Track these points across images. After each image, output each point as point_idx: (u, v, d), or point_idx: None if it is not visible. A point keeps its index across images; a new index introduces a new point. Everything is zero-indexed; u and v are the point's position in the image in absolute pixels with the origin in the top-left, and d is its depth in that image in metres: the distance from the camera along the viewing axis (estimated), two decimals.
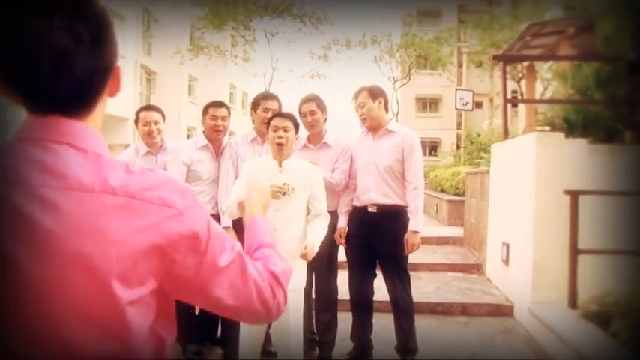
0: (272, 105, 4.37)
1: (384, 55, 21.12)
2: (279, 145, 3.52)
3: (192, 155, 4.47)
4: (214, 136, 4.50)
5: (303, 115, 4.37)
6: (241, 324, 3.54)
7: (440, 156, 28.74)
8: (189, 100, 31.88)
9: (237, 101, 35.99)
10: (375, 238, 4.22)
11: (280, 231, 3.51)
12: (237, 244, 1.15)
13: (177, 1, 21.56)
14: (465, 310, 5.71)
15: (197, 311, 4.60)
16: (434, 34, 21.61)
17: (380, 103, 4.29)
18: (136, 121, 4.61)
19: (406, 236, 4.11)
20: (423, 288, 6.28)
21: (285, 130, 3.53)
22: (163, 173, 1.06)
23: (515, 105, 14.43)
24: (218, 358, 4.53)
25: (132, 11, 22.74)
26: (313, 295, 4.48)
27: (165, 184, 1.01)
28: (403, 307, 4.23)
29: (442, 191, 12.94)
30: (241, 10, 19.85)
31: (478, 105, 23.98)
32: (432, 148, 33.13)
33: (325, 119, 4.46)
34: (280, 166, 3.58)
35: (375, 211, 4.21)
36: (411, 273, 6.76)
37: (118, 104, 19.47)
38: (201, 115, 4.61)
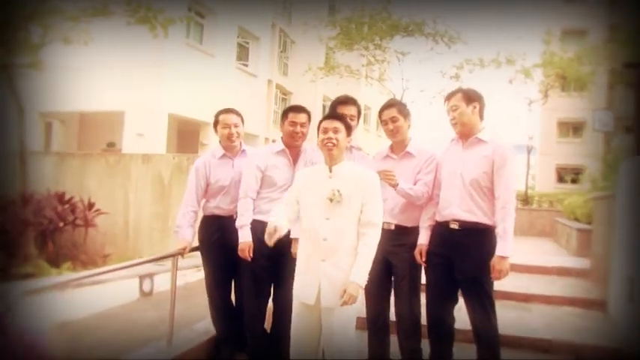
0: (349, 110, 4.08)
1: (519, 74, 20.07)
2: (329, 147, 3.29)
3: (268, 160, 4.26)
4: (292, 143, 4.27)
5: (384, 122, 4.06)
6: (293, 339, 3.40)
7: (580, 184, 26.77)
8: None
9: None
10: (456, 259, 3.74)
11: (330, 242, 3.24)
12: None
13: (314, 23, 21.78)
14: (577, 352, 4.95)
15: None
16: (576, 53, 20.22)
17: (474, 108, 3.82)
18: (215, 124, 4.51)
19: (492, 261, 3.58)
20: (530, 322, 5.59)
21: (335, 131, 3.30)
22: None
23: None
24: None
25: (267, 32, 23.37)
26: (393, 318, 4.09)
27: None
28: (485, 340, 3.71)
29: (575, 219, 11.85)
30: (371, 30, 19.77)
31: (628, 130, 22.07)
32: (574, 175, 30.99)
33: (409, 126, 4.07)
34: (331, 171, 3.32)
35: (456, 227, 3.74)
36: (521, 304, 6.26)
37: (253, 122, 19.97)
38: (280, 120, 4.41)
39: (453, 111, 3.84)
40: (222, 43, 19.06)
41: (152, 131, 15.79)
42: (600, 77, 22.61)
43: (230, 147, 4.49)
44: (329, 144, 3.31)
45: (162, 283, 5.33)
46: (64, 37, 10.77)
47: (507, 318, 5.61)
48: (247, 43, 21.96)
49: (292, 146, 4.29)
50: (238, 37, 20.88)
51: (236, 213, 4.28)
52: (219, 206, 4.46)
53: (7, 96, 10.48)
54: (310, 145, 4.32)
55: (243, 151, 4.55)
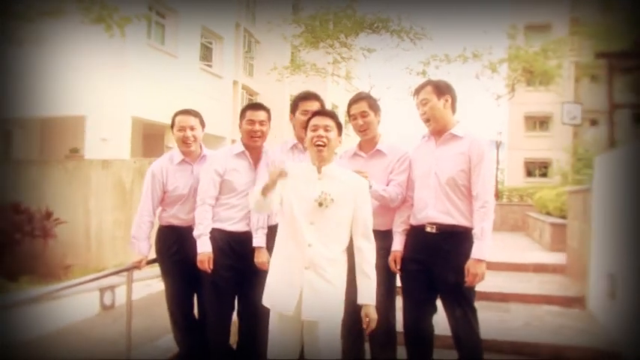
0: (312, 106, 3.78)
1: (486, 69, 20.03)
2: (319, 146, 3.02)
3: (227, 163, 3.96)
4: (251, 143, 3.97)
5: (353, 117, 3.77)
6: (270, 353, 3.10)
7: (549, 177, 26.95)
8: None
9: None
10: (434, 264, 3.47)
11: (316, 249, 2.96)
12: None
13: (278, 22, 21.49)
14: (558, 353, 4.74)
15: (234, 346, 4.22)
16: (541, 46, 20.25)
17: (446, 101, 3.55)
18: (172, 125, 4.15)
19: (467, 264, 3.33)
20: (509, 323, 5.38)
21: (326, 130, 3.04)
22: None
23: None
24: None
25: (231, 32, 22.99)
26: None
27: None
28: (468, 349, 3.46)
29: (547, 214, 11.76)
30: (337, 28, 19.54)
31: (593, 123, 22.26)
32: (542, 169, 31.24)
33: (379, 122, 3.81)
34: (320, 172, 3.05)
35: (433, 231, 3.47)
36: (498, 304, 6.06)
37: (218, 124, 19.59)
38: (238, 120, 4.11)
39: (423, 105, 3.58)
40: (185, 43, 18.64)
41: (115, 135, 15.34)
42: (566, 71, 22.75)
43: (188, 152, 4.14)
44: (319, 142, 3.04)
45: (124, 295, 5.01)
46: (15, 38, 10.25)
47: (486, 320, 5.39)
48: (211, 43, 21.55)
49: (252, 147, 4.00)
50: (202, 37, 20.45)
51: (194, 223, 3.98)
52: (176, 215, 4.13)
53: None
54: (272, 147, 4.04)
55: (204, 156, 4.19)
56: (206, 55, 21.31)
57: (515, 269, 7.73)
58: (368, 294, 3.02)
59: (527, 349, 4.78)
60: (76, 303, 7.12)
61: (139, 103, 15.77)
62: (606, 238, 5.45)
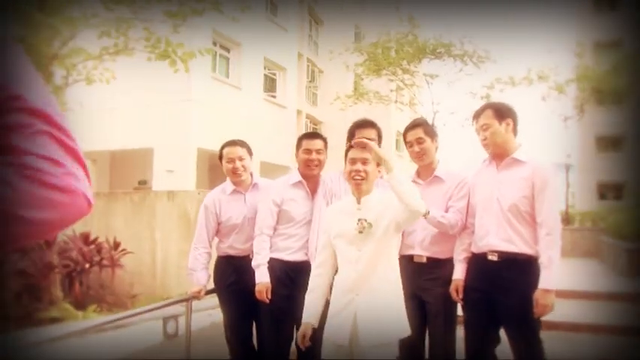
0: (369, 134, 3.73)
1: (552, 91, 19.50)
2: (356, 181, 2.98)
3: (285, 194, 3.94)
4: (309, 172, 3.94)
5: (409, 144, 3.70)
6: None
7: (624, 199, 25.82)
8: None
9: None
10: (497, 294, 3.32)
11: (367, 272, 2.91)
12: None
13: (340, 51, 21.65)
14: None
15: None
16: (612, 64, 19.59)
17: (507, 125, 3.42)
18: (220, 158, 4.18)
19: (535, 295, 3.16)
20: (579, 356, 5.11)
21: (364, 163, 2.98)
22: None
23: None
24: None
25: (294, 62, 23.28)
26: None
27: None
28: None
29: (622, 238, 11.22)
30: (399, 55, 19.49)
31: None
32: (616, 191, 29.97)
33: (436, 148, 3.72)
34: (359, 203, 3.00)
35: (495, 259, 3.33)
36: (568, 334, 5.76)
37: (283, 154, 19.78)
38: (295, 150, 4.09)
39: (483, 130, 3.46)
40: (249, 75, 18.96)
41: (181, 167, 15.67)
42: (638, 88, 21.90)
43: (239, 182, 4.16)
44: (357, 177, 2.99)
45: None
46: (86, 77, 10.71)
47: (553, 351, 5.15)
48: (274, 74, 21.87)
49: (309, 176, 3.98)
50: (265, 68, 20.79)
51: (252, 252, 3.97)
52: (232, 246, 4.14)
53: None
54: (329, 175, 4.00)
55: (255, 184, 4.21)
56: (270, 86, 21.64)
57: (586, 297, 7.37)
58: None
59: None
60: (140, 331, 7.23)
61: (204, 135, 16.10)
62: None
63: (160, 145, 15.91)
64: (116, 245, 10.72)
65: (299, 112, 25.54)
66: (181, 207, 10.99)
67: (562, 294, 7.17)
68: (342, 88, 23.02)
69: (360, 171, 2.98)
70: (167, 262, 10.92)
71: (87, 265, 10.33)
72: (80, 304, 9.47)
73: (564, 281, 8.15)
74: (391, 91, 21.54)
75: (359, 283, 2.95)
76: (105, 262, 10.55)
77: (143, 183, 15.06)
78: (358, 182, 2.99)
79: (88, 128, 15.66)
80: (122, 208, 11.79)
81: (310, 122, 28.64)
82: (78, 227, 11.28)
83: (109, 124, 15.82)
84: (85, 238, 10.69)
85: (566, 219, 19.35)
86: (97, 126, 15.79)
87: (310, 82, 29.04)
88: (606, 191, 30.73)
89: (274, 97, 21.55)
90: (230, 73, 18.48)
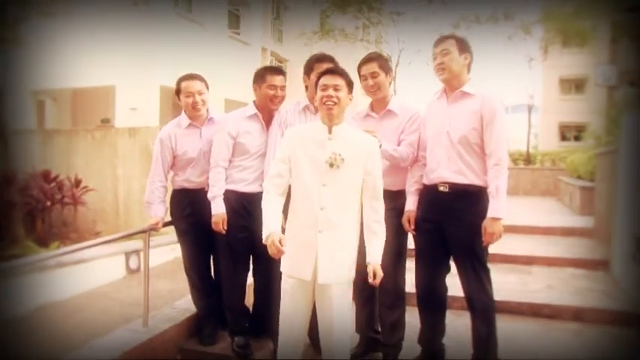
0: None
1: (518, 31, 19.51)
2: (329, 105, 2.95)
3: (240, 126, 3.95)
4: (270, 106, 3.95)
5: (363, 77, 3.71)
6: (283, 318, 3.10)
7: (584, 141, 26.33)
8: None
9: None
10: (447, 224, 3.42)
11: (329, 212, 2.93)
12: None
13: None
14: (578, 315, 4.69)
15: (251, 308, 4.29)
16: (576, 6, 19.59)
17: (465, 59, 3.47)
18: (177, 92, 4.16)
19: (484, 223, 3.26)
20: (531, 285, 5.34)
21: (336, 89, 2.96)
22: None
23: None
24: (267, 352, 4.04)
25: None
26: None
27: None
28: (480, 310, 3.41)
29: (578, 177, 11.54)
30: None
31: (632, 84, 21.57)
32: (577, 132, 30.51)
33: (390, 83, 3.75)
34: (330, 132, 2.99)
35: (446, 190, 3.41)
36: (522, 267, 6.00)
37: (248, 91, 19.56)
38: (252, 83, 4.07)
39: (443, 55, 3.46)
40: (212, 11, 18.55)
41: (144, 105, 15.44)
42: (602, 31, 22.02)
43: (195, 116, 4.16)
44: (329, 102, 2.96)
45: (150, 259, 5.15)
46: (43, 10, 10.35)
47: (508, 282, 5.37)
48: (238, 10, 21.41)
49: (265, 109, 3.98)
50: (229, 4, 20.32)
51: (207, 185, 4.01)
52: (188, 179, 4.17)
53: None
54: (284, 107, 4.00)
55: (211, 119, 4.21)
56: (233, 22, 21.20)
57: (543, 233, 7.63)
58: (377, 253, 2.98)
59: (547, 311, 4.74)
60: (103, 267, 7.30)
61: (167, 72, 15.81)
62: (632, 200, 5.32)
63: (122, 82, 15.60)
64: (77, 182, 10.63)
65: (264, 50, 25.16)
66: (143, 143, 10.86)
67: (520, 229, 7.48)
68: (308, 26, 22.67)
69: (332, 96, 2.95)
70: (130, 198, 10.88)
71: (48, 203, 10.24)
72: (43, 242, 9.45)
73: (523, 218, 8.47)
74: (357, 28, 21.26)
75: (323, 220, 2.95)
76: (67, 199, 10.47)
77: (106, 121, 14.82)
78: (330, 107, 2.96)
79: (48, 65, 15.29)
80: (83, 145, 11.63)
81: (275, 59, 28.25)
82: (39, 165, 11.14)
83: (70, 61, 15.39)
84: (46, 176, 10.56)
85: (528, 159, 19.72)
86: (57, 63, 15.39)
87: (275, 19, 28.53)
88: (568, 132, 31.30)
89: (238, 33, 21.15)
90: (193, 9, 18.05)
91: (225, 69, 17.11)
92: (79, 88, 16.79)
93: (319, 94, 3.02)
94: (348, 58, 3.89)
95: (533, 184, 15.70)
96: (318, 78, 3.11)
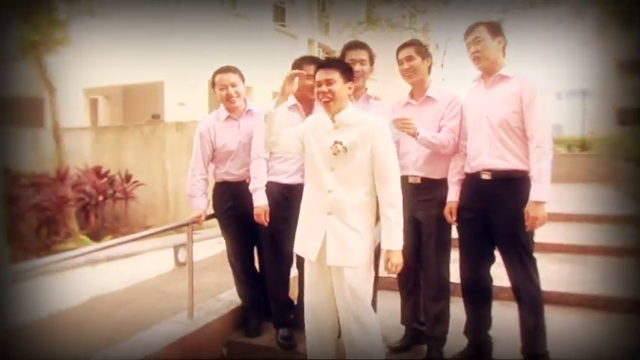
0: (359, 55, 3.77)
1: (571, 13, 18.90)
2: (324, 101, 3.04)
3: (281, 118, 3.91)
4: (309, 97, 3.88)
5: (400, 62, 3.64)
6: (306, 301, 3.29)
7: None
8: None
9: None
10: (490, 213, 3.32)
11: (336, 194, 2.99)
12: None
13: None
14: (635, 307, 4.48)
15: (295, 301, 4.26)
16: None
17: (499, 43, 3.36)
18: (213, 85, 4.17)
19: (527, 208, 3.15)
20: (584, 275, 5.15)
21: (329, 83, 3.01)
22: None
23: None
24: None
25: None
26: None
27: None
28: (527, 301, 3.30)
29: (637, 163, 11.08)
30: None
31: None
32: (635, 117, 29.39)
33: (428, 68, 3.65)
34: (334, 121, 3.06)
35: (488, 177, 3.31)
36: (575, 256, 5.79)
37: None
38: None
39: (475, 44, 3.38)
40: (257, 5, 18.62)
41: (193, 99, 15.62)
42: None
43: (232, 108, 4.16)
44: (325, 99, 3.04)
45: (198, 252, 5.22)
46: (88, 11, 10.60)
47: (561, 272, 5.20)
48: (283, 3, 21.44)
49: (306, 100, 3.93)
50: None
51: (249, 177, 4.00)
52: (228, 172, 4.17)
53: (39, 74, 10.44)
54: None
55: (249, 110, 4.20)
56: (280, 15, 21.24)
57: (598, 221, 7.34)
58: (392, 239, 2.96)
59: (600, 302, 4.56)
60: (152, 260, 7.42)
61: (214, 67, 15.94)
62: None
63: (170, 78, 15.82)
64: (128, 178, 10.85)
65: (311, 42, 25.13)
66: (190, 137, 10.91)
67: (574, 218, 7.22)
68: (354, 16, 22.53)
69: (326, 92, 3.03)
70: (179, 192, 11.03)
71: (100, 198, 10.50)
72: (96, 236, 9.69)
73: (576, 205, 8.19)
74: (403, 17, 21.02)
75: (331, 203, 3.03)
76: (118, 194, 10.71)
77: (156, 117, 15.08)
78: (326, 102, 3.05)
79: (99, 64, 15.64)
80: (133, 141, 11.86)
81: (323, 51, 28.21)
82: (91, 161, 11.41)
83: (120, 59, 15.71)
84: (98, 172, 10.82)
85: (583, 145, 19.15)
86: (108, 61, 15.72)
87: (322, 10, 28.47)
88: (626, 117, 30.21)
89: (284, 26, 21.19)
90: (238, 4, 18.16)
91: (272, 62, 17.16)
92: (130, 85, 17.12)
93: (316, 89, 3.12)
94: (395, 48, 3.82)
95: (590, 171, 15.19)
96: (315, 71, 3.17)
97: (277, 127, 3.16)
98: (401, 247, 2.97)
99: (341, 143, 3.00)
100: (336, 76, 3.03)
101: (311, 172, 3.18)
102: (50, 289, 5.83)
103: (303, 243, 3.17)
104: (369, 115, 3.20)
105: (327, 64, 3.13)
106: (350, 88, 3.10)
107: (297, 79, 3.17)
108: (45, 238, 8.97)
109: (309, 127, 3.23)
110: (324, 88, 3.03)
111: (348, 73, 3.09)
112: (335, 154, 3.01)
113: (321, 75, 3.06)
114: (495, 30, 3.38)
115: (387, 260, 2.96)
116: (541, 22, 17.64)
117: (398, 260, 2.95)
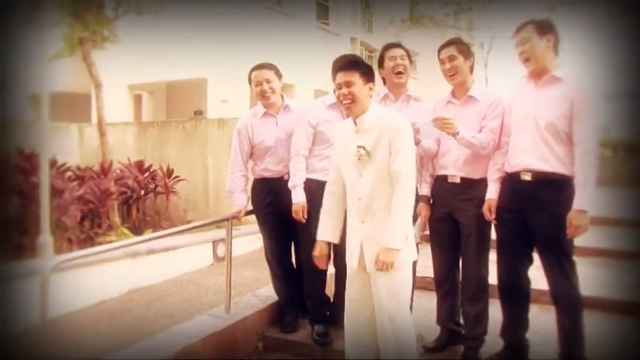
0: (395, 53, 3.82)
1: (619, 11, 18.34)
2: (345, 104, 3.04)
3: (320, 115, 3.96)
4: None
5: (441, 62, 3.63)
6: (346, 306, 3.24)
7: None
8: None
9: None
10: (530, 215, 3.28)
11: (365, 201, 3.00)
12: None
13: None
14: None
15: (332, 298, 4.27)
16: None
17: (548, 41, 3.30)
18: (250, 82, 4.20)
19: (569, 216, 3.10)
20: (625, 280, 5.02)
21: (348, 86, 2.99)
22: None
23: None
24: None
25: None
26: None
27: None
28: (565, 305, 3.26)
29: None
30: None
31: None
32: None
33: (470, 68, 3.62)
34: (356, 124, 3.04)
35: (528, 179, 3.27)
36: (614, 261, 5.63)
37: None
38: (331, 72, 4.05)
39: (522, 44, 3.33)
40: (301, 3, 18.66)
41: (235, 97, 15.73)
42: None
43: (269, 104, 4.18)
44: (345, 101, 3.03)
45: (237, 247, 5.28)
46: (136, 8, 10.80)
47: (601, 277, 5.09)
48: (327, 1, 21.44)
49: None
50: None
51: (287, 174, 4.02)
52: (267, 168, 4.21)
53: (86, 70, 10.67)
54: None
55: (287, 106, 4.24)
56: (323, 13, 21.24)
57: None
58: (387, 236, 2.90)
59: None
60: (192, 254, 7.53)
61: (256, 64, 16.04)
62: None
63: (213, 75, 15.98)
64: (169, 173, 11.00)
65: (353, 40, 25.03)
66: (232, 134, 10.99)
67: (614, 222, 7.02)
68: (397, 14, 22.40)
69: (346, 95, 3.01)
70: (219, 188, 11.13)
71: (142, 192, 10.68)
72: (137, 230, 9.88)
73: (618, 209, 7.97)
74: (447, 15, 20.79)
75: (363, 210, 3.03)
76: (159, 189, 10.87)
77: (199, 113, 15.25)
78: (347, 105, 3.03)
79: (142, 61, 15.91)
80: (175, 136, 12.03)
81: (365, 50, 28.10)
82: (133, 156, 11.63)
83: (163, 55, 15.95)
84: (140, 166, 11.00)
85: (632, 147, 18.62)
86: (151, 58, 15.99)
87: (365, 8, 28.34)
88: None
89: (327, 24, 21.18)
90: (282, 2, 18.23)
91: (315, 60, 17.15)
92: (173, 82, 17.36)
93: (336, 92, 3.12)
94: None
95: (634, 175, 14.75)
96: (334, 74, 3.22)
97: None
98: (399, 247, 2.90)
99: (364, 148, 2.98)
100: (355, 77, 3.00)
101: (345, 180, 3.18)
102: (92, 280, 5.97)
103: (348, 252, 3.18)
104: (391, 114, 3.17)
105: (346, 65, 3.09)
106: (371, 89, 3.08)
107: None
108: (88, 230, 9.16)
109: (336, 141, 3.27)
110: (344, 90, 3.01)
111: (368, 74, 3.06)
112: (359, 159, 2.99)
113: (340, 77, 3.05)
114: (544, 28, 3.32)
115: (378, 257, 2.91)
116: (587, 20, 17.06)
117: (391, 259, 2.88)
